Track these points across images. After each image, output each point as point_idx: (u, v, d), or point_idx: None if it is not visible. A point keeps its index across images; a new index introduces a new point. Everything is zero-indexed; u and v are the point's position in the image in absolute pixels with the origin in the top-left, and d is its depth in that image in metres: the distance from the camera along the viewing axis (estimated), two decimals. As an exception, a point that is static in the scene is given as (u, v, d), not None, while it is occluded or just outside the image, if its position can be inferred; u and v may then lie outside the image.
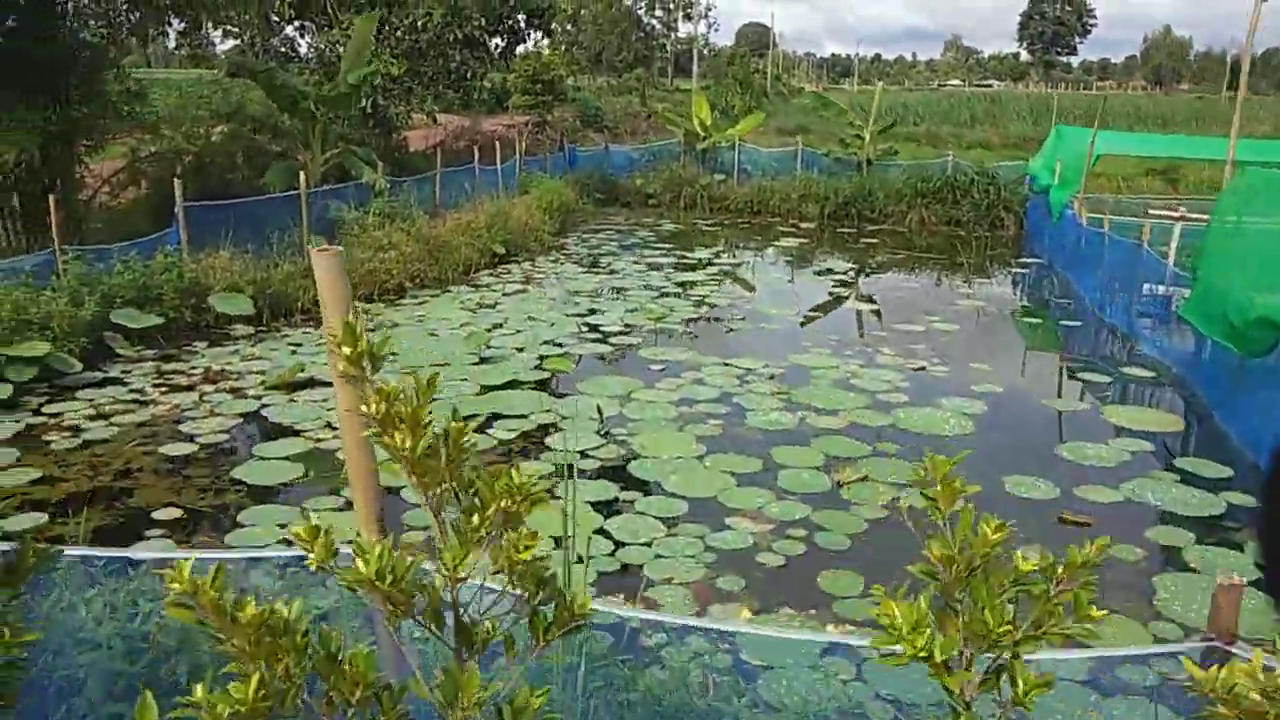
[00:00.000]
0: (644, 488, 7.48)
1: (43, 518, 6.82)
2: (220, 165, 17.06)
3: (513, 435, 8.55)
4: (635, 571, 6.20)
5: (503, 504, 1.89)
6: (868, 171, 23.41)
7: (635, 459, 8.04)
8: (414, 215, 15.54)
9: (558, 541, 6.39)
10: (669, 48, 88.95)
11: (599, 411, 8.90)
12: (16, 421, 8.72)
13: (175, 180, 12.41)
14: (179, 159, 16.61)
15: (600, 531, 6.70)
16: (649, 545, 6.53)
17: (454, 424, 2.00)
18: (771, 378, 10.34)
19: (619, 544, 6.54)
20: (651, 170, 25.35)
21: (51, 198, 11.07)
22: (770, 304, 14.12)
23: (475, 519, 1.87)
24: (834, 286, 15.62)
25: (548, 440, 8.46)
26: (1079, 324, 13.48)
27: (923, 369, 10.80)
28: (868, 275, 16.79)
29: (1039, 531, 6.57)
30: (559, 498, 7.12)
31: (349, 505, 7.16)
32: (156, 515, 6.91)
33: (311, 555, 1.98)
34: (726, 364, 10.83)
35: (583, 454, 8.13)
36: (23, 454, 7.98)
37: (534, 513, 1.86)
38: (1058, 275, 16.45)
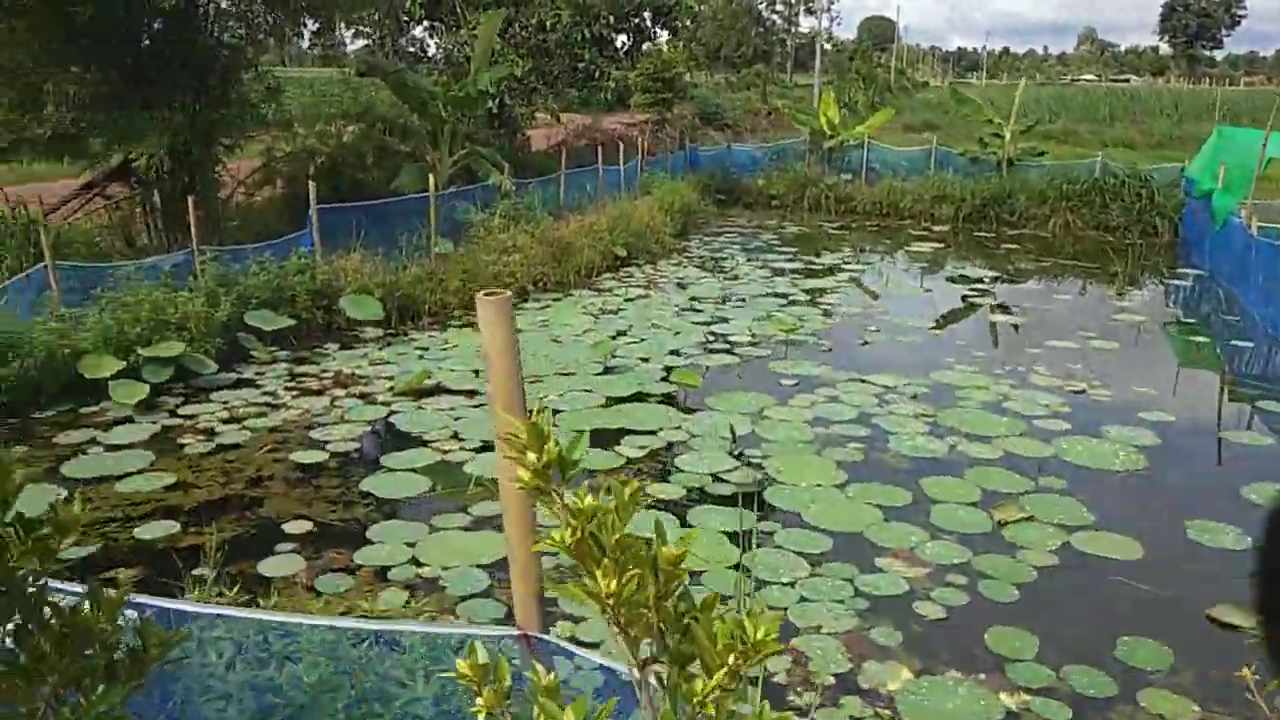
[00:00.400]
0: (783, 518, 7.00)
1: (175, 526, 6.80)
2: (351, 165, 17.29)
3: (642, 453, 8.18)
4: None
5: (730, 660, 1.48)
6: (1008, 172, 22.21)
7: (771, 484, 7.56)
8: (538, 217, 15.39)
9: (695, 576, 5.99)
10: (789, 43, 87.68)
11: (731, 431, 8.45)
12: (153, 423, 8.83)
13: (310, 182, 12.50)
14: (312, 159, 16.92)
15: (736, 566, 6.25)
16: (792, 586, 6.06)
17: (663, 550, 1.60)
18: (914, 397, 9.69)
19: (760, 582, 6.08)
20: (775, 170, 24.70)
21: (191, 198, 11.27)
22: (906, 314, 13.38)
23: (698, 686, 1.46)
24: (974, 296, 14.75)
25: (678, 460, 8.05)
26: (1250, 344, 12.30)
27: (1082, 392, 9.95)
28: (1011, 284, 15.81)
29: (1236, 587, 5.81)
30: (691, 525, 6.73)
31: (476, 525, 6.93)
32: (287, 528, 6.80)
33: (479, 702, 1.61)
34: (863, 380, 10.22)
35: (715, 477, 7.70)
36: (157, 457, 8.04)
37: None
38: (1221, 288, 15.15)
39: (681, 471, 7.80)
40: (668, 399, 9.67)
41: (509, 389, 2.34)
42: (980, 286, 15.38)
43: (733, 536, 6.64)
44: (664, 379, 10.24)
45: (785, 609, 5.76)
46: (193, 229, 11.03)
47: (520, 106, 21.76)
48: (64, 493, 6.90)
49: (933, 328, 12.68)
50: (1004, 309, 14.01)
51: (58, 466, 7.84)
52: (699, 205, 21.93)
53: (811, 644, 5.44)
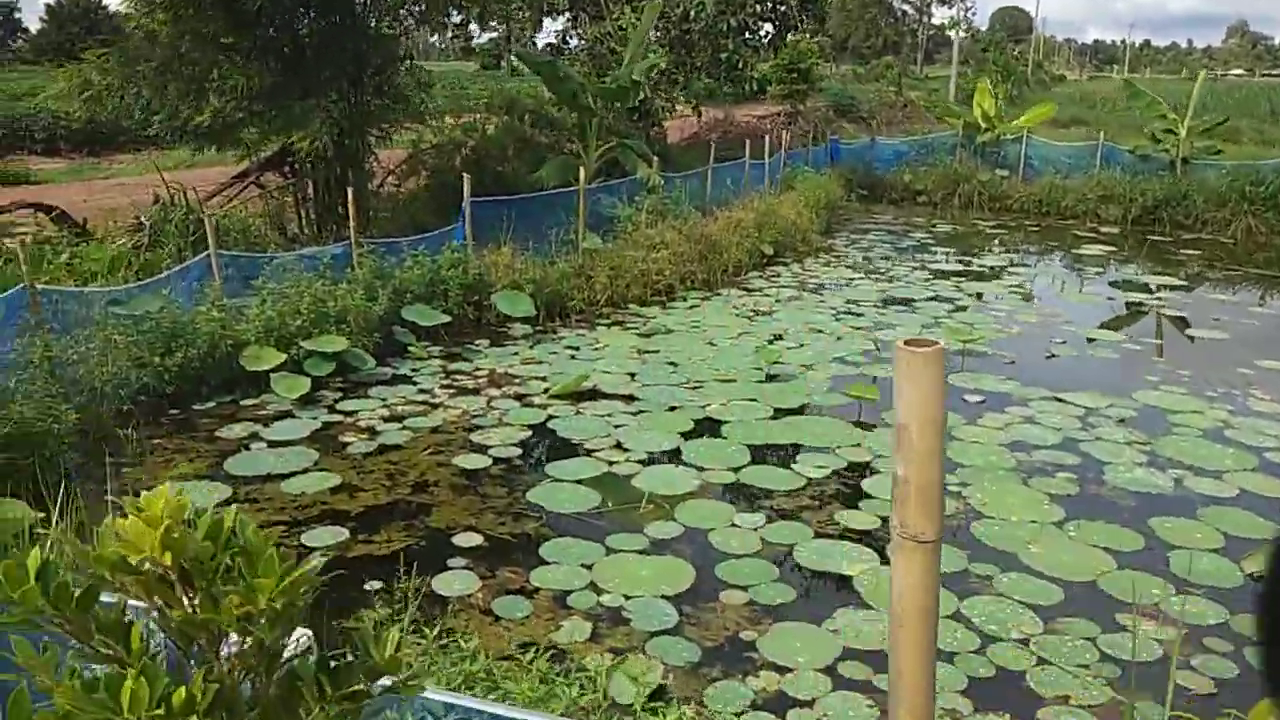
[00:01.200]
0: (997, 559, 6.23)
1: (343, 533, 6.49)
2: (493, 158, 17.09)
3: (822, 474, 7.52)
4: (1014, 679, 5.01)
5: None
6: (1182, 171, 20.52)
7: (978, 518, 6.79)
8: (684, 212, 14.84)
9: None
10: (920, 34, 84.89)
11: (926, 454, 7.68)
12: (313, 418, 8.64)
13: (463, 175, 12.22)
14: (457, 151, 16.79)
15: (955, 616, 5.54)
16: (1025, 644, 5.31)
17: None
18: (1121, 421, 8.71)
19: (986, 638, 5.35)
20: (922, 165, 23.55)
21: (350, 190, 11.11)
22: (1089, 323, 12.29)
23: None
24: (1160, 307, 13.48)
25: (864, 484, 7.36)
26: None
27: (1315, 421, 8.80)
28: (1199, 295, 14.44)
29: None
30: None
31: (655, 548, 6.40)
32: (456, 540, 6.41)
33: None
34: (1058, 399, 9.28)
35: (911, 505, 6.96)
36: (320, 456, 7.80)
37: None
38: None
39: (871, 498, 7.11)
40: (840, 412, 8.95)
41: (929, 473, 1.74)
42: (1164, 296, 14.08)
43: (946, 581, 5.91)
44: (833, 391, 9.52)
45: (1023, 672, 5.02)
46: (351, 220, 10.86)
47: (661, 98, 21.24)
48: (228, 490, 6.67)
49: (1124, 341, 11.55)
50: (1191, 323, 12.73)
51: (221, 462, 7.68)
52: (843, 201, 21.01)
53: (1059, 717, 4.69)
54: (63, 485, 6.74)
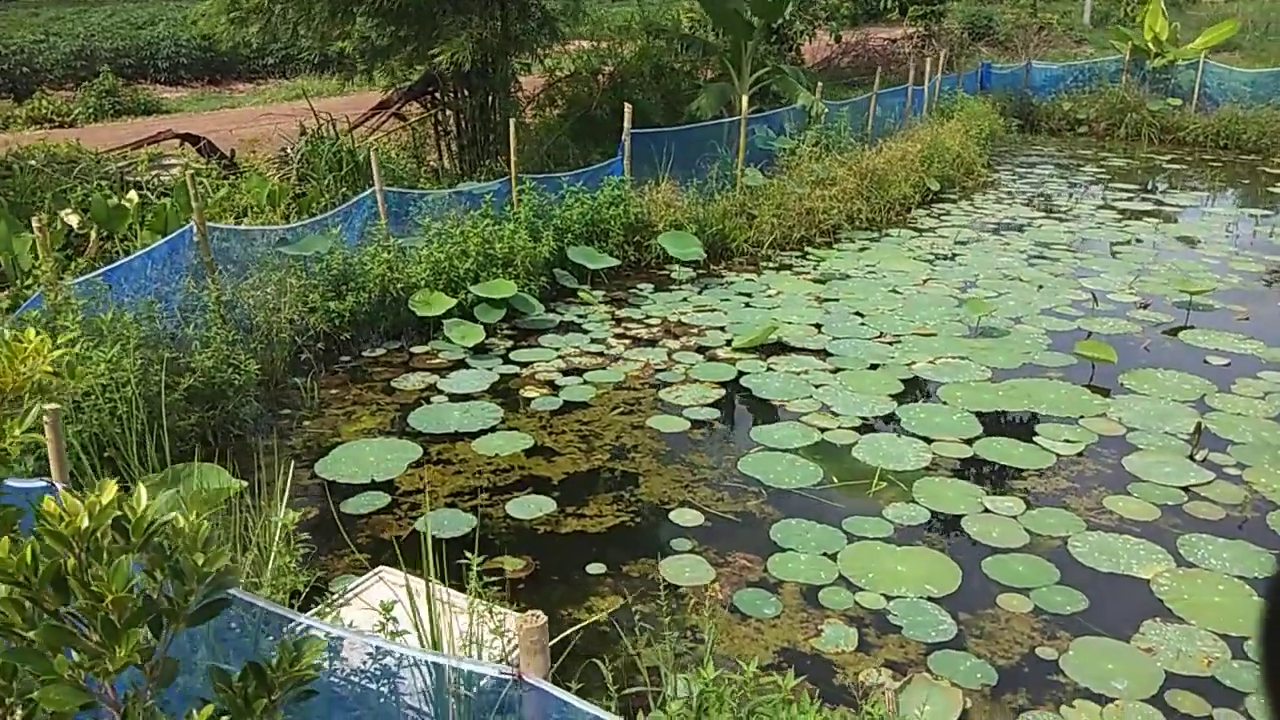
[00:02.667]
0: (1316, 562, 5.29)
1: (549, 504, 5.91)
2: (631, 86, 16.17)
3: (1075, 450, 6.60)
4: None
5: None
6: (1394, 100, 18.31)
7: (1271, 508, 5.82)
8: (849, 144, 13.73)
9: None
10: (1051, -51, 79.51)
11: (1196, 430, 6.71)
12: (489, 369, 8.09)
13: (625, 105, 11.36)
14: (594, 79, 15.93)
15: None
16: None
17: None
18: (1405, 392, 7.54)
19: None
20: (1083, 92, 21.66)
21: (512, 121, 10.40)
22: (1321, 275, 10.90)
23: None
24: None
25: (1125, 464, 6.42)
26: None
27: None
28: None
29: None
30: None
31: (902, 537, 5.64)
32: (673, 517, 5.77)
33: None
34: (1317, 363, 8.12)
35: (1187, 491, 6.04)
36: (505, 412, 7.24)
37: None
38: None
39: (1139, 480, 6.18)
40: (1068, 374, 7.97)
41: None
42: (1398, 241, 12.43)
43: (1258, 585, 5.02)
44: (1052, 348, 8.52)
45: None
46: (511, 153, 10.16)
47: (801, 19, 19.89)
48: (416, 449, 6.14)
49: (1369, 294, 10.16)
50: None
51: (404, 416, 7.19)
52: (1001, 131, 19.44)
53: None
54: (246, 444, 6.37)
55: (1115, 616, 4.83)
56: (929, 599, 4.97)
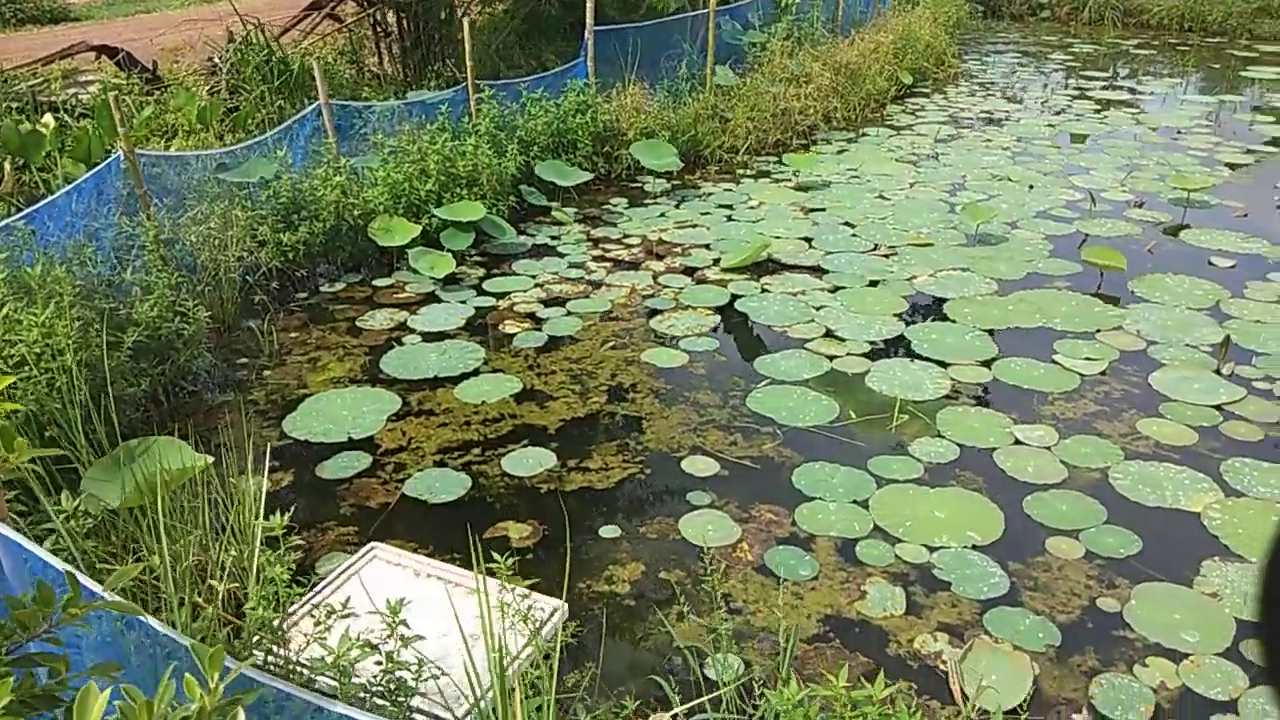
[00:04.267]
0: (1366, 485, 5.03)
1: (549, 457, 5.40)
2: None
3: (1097, 368, 6.24)
4: None
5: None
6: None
7: (1313, 427, 5.55)
8: (821, 37, 12.96)
9: None
10: None
11: (1224, 343, 6.38)
12: (462, 302, 7.46)
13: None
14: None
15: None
16: None
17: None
18: None
19: None
20: (1046, -25, 20.92)
21: (466, 21, 9.46)
22: (1310, 164, 10.61)
23: None
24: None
25: (1152, 381, 6.09)
26: None
27: None
28: None
29: None
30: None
31: (933, 476, 5.22)
32: (686, 466, 5.30)
33: None
34: (1327, 263, 7.84)
35: (1220, 410, 5.73)
36: (487, 352, 6.66)
37: None
38: None
39: (1169, 400, 5.85)
40: (1073, 282, 7.59)
41: None
42: (1379, 125, 12.17)
43: (1314, 515, 4.75)
44: (1055, 254, 8.11)
45: None
46: (467, 55, 9.26)
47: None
48: (394, 400, 5.56)
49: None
50: None
51: (375, 360, 6.57)
52: (967, 18, 18.71)
53: None
54: (203, 401, 5.73)
55: (1172, 557, 4.52)
56: (974, 548, 4.61)
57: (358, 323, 7.13)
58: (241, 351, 6.71)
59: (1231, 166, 10.49)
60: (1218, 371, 6.15)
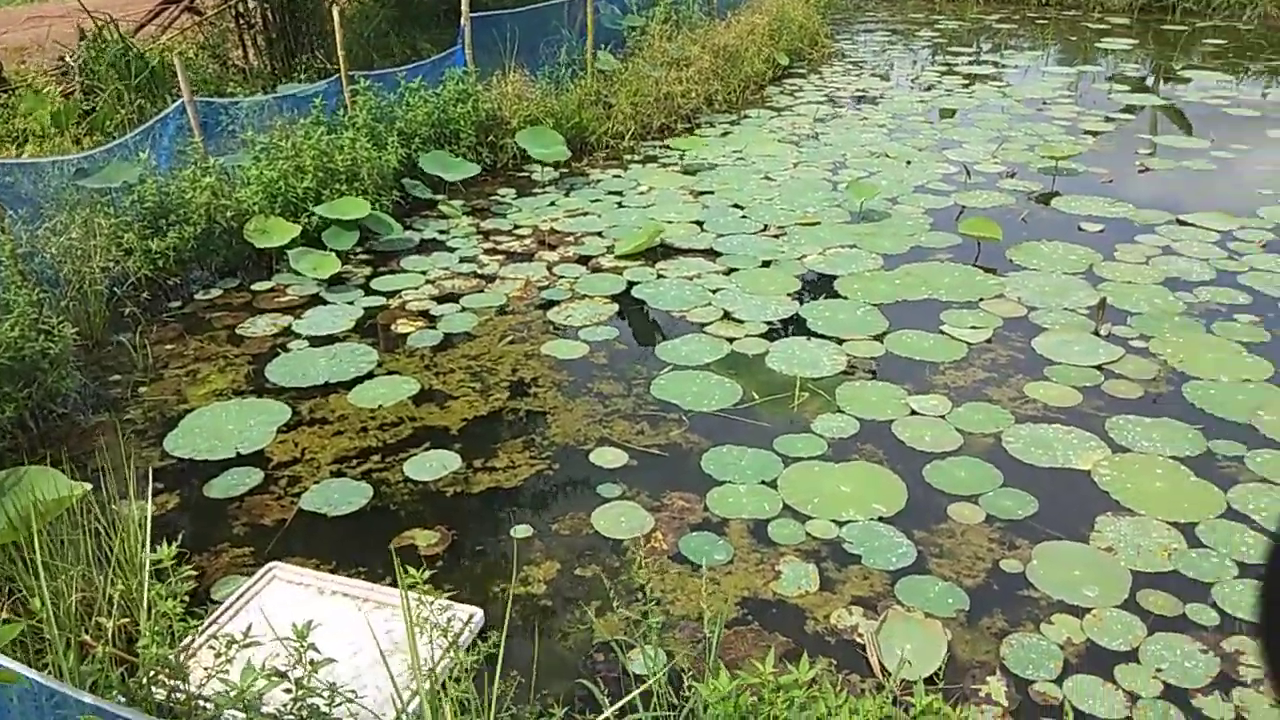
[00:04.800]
0: (1229, 431, 5.33)
1: (454, 459, 5.26)
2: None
3: (983, 336, 6.45)
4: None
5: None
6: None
7: (1184, 380, 5.85)
8: (698, 20, 13.00)
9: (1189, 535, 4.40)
10: None
11: (1101, 305, 6.67)
12: (350, 303, 7.20)
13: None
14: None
15: (1230, 514, 4.65)
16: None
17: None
18: (1264, 245, 7.79)
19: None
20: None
21: (335, 9, 9.10)
22: (1165, 130, 11.20)
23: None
24: (1229, 107, 12.34)
25: (1035, 345, 6.32)
26: None
27: None
28: (1256, 89, 13.33)
29: None
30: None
31: (837, 452, 5.29)
32: (594, 458, 5.24)
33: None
34: (1183, 222, 8.29)
35: (1101, 370, 6.00)
36: (380, 353, 6.45)
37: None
38: None
39: (1053, 363, 6.09)
40: (953, 253, 7.82)
41: None
42: (1225, 95, 12.92)
43: (1192, 465, 5.02)
44: (935, 228, 8.34)
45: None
46: (338, 46, 8.91)
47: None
48: (284, 410, 5.34)
49: (1211, 147, 10.47)
50: (1265, 121, 11.68)
51: (259, 369, 6.28)
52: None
53: None
54: (76, 424, 5.36)
55: (1067, 515, 4.70)
56: (880, 519, 4.70)
57: (238, 330, 6.81)
58: (114, 368, 6.32)
59: (1093, 134, 11.00)
60: (1096, 333, 6.44)
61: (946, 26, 18.06)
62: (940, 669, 3.74)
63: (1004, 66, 14.64)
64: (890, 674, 3.56)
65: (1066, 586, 4.23)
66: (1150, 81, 13.90)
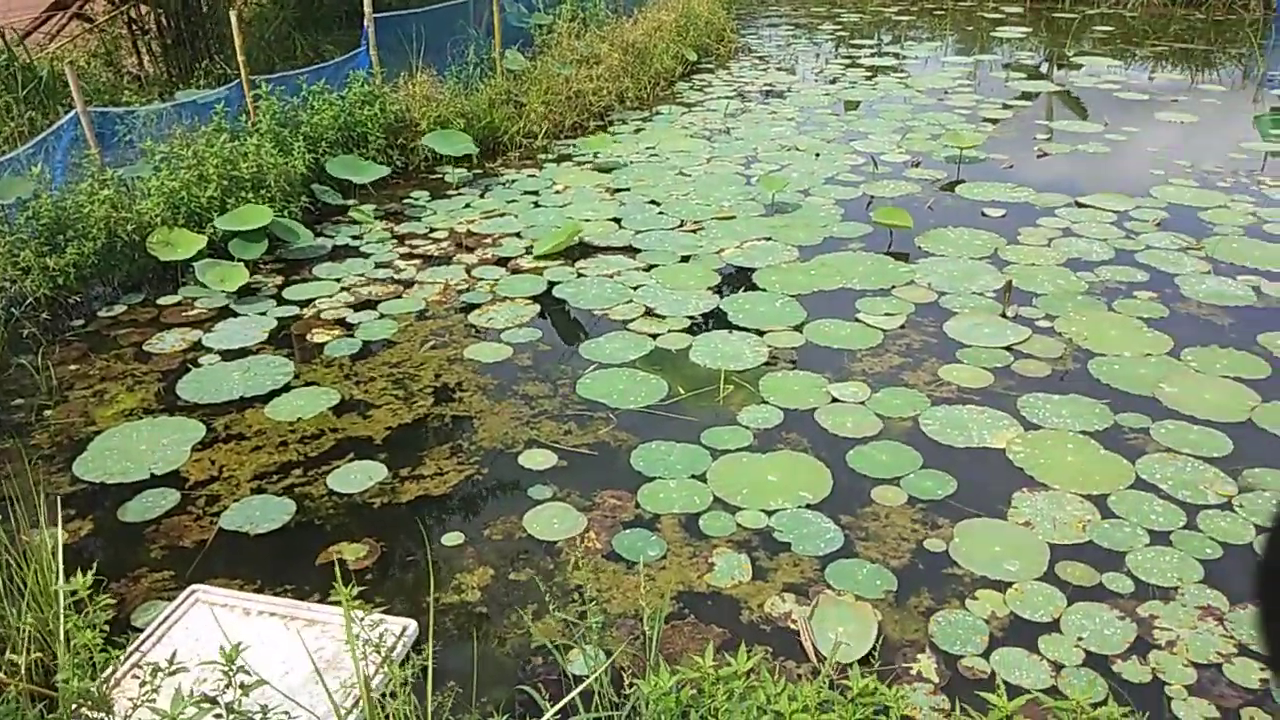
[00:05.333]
0: (1133, 404, 5.58)
1: (379, 469, 5.17)
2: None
3: (897, 323, 6.61)
4: (1243, 555, 4.40)
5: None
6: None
7: (1090, 357, 6.10)
8: (606, 18, 13.02)
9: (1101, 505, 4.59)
10: None
11: (1007, 287, 6.89)
12: (262, 314, 7.02)
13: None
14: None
15: (1140, 484, 4.87)
16: (1230, 508, 4.69)
17: None
18: (1159, 225, 8.15)
19: (1188, 507, 4.70)
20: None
21: (233, 13, 8.84)
22: (1064, 117, 11.63)
23: None
24: (1118, 91, 12.88)
25: (947, 329, 6.51)
26: None
27: (1340, 206, 8.50)
28: (1144, 72, 13.93)
29: None
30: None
31: (763, 442, 5.41)
32: (524, 461, 5.22)
33: None
34: (1082, 205, 8.63)
35: (1010, 350, 6.21)
36: (297, 364, 6.30)
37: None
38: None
39: (965, 345, 6.28)
40: (867, 243, 8.00)
41: None
42: (1116, 78, 13.48)
43: (1101, 438, 5.24)
44: (847, 218, 8.51)
45: (1249, 544, 4.42)
46: (238, 50, 8.67)
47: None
48: (199, 428, 5.19)
49: (1105, 130, 10.91)
50: (1155, 105, 12.22)
51: (171, 387, 6.07)
52: (741, -6, 19.31)
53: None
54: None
55: (985, 493, 4.85)
56: (807, 507, 4.79)
57: (145, 347, 6.57)
58: (15, 392, 6.04)
59: (993, 122, 11.36)
60: (1004, 315, 6.66)
61: (848, 20, 18.43)
62: (873, 650, 3.84)
63: (905, 58, 15.01)
64: (825, 658, 3.64)
65: (988, 562, 4.37)
66: (1045, 68, 14.42)
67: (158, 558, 4.59)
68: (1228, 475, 4.92)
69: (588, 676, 3.30)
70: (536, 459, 5.24)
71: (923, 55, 15.21)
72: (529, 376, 6.10)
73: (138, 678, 3.04)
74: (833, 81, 13.54)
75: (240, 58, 8.69)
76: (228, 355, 6.43)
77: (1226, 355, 6.05)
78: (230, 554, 4.62)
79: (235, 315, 6.99)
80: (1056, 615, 4.05)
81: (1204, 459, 5.06)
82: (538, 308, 7.03)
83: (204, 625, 4.04)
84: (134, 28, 11.72)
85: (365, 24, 9.91)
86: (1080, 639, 3.93)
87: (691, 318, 6.79)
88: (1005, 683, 3.63)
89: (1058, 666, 3.79)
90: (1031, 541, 4.49)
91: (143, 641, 3.96)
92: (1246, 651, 3.86)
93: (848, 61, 14.78)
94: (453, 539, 4.64)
